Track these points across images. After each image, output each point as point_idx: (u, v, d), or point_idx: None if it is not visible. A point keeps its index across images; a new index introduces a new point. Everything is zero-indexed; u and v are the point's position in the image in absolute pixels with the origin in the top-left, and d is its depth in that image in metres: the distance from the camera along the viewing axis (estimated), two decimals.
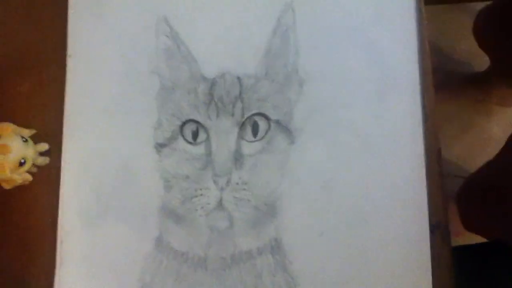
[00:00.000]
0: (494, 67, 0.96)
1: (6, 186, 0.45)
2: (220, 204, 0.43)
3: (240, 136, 0.44)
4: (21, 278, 0.45)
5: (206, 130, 0.44)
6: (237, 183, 0.44)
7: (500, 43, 0.82)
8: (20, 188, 0.46)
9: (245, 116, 0.45)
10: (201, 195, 0.44)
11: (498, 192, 0.68)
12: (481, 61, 1.03)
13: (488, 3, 0.86)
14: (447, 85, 1.04)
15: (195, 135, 0.45)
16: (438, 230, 0.44)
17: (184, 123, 0.45)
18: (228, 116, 0.45)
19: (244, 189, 0.44)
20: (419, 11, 0.47)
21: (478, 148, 1.03)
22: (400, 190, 0.44)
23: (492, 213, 0.70)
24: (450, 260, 0.44)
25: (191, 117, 0.45)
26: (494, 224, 0.71)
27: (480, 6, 0.89)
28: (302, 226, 0.44)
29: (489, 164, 0.77)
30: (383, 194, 0.44)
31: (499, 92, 1.02)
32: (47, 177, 0.47)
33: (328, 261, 0.43)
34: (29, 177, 0.46)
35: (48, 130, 0.47)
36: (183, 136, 0.45)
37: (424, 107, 0.46)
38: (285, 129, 0.45)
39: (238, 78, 0.46)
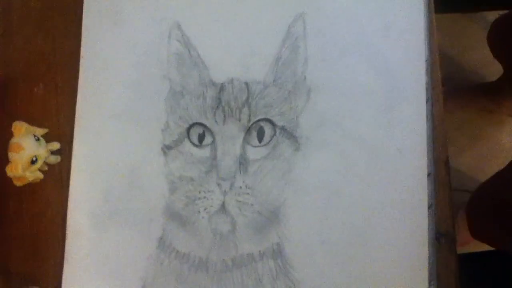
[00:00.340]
0: (507, 76, 0.95)
1: (18, 184, 0.46)
2: (223, 208, 0.44)
3: (246, 141, 0.45)
4: (31, 274, 0.46)
5: (212, 134, 0.45)
6: (241, 187, 0.44)
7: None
8: (31, 186, 0.47)
9: (252, 121, 0.45)
10: (205, 197, 0.45)
11: (509, 203, 0.68)
12: (492, 71, 1.02)
13: (503, 12, 0.85)
14: (458, 95, 1.04)
15: (201, 138, 0.45)
16: (445, 237, 0.44)
17: (191, 126, 0.46)
18: (234, 121, 0.45)
19: (248, 194, 0.44)
20: (429, 21, 0.47)
21: (488, 158, 1.03)
22: (403, 202, 0.44)
23: (502, 224, 0.70)
24: (457, 267, 0.44)
25: (198, 120, 0.46)
26: (504, 235, 0.70)
27: (492, 15, 0.88)
28: (304, 233, 0.44)
29: (499, 175, 0.76)
30: (386, 204, 0.44)
31: (510, 103, 1.02)
32: (58, 176, 0.48)
33: (329, 268, 0.44)
34: (40, 175, 0.47)
35: (60, 130, 0.49)
36: (189, 139, 0.46)
37: (433, 116, 0.46)
38: (291, 135, 0.46)
39: (246, 84, 0.47)
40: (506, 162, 0.74)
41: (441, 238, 0.44)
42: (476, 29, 1.05)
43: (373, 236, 0.44)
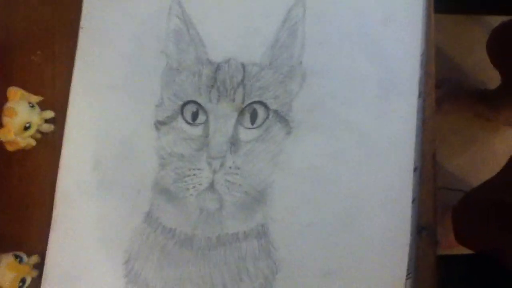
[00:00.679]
0: (505, 86, 0.96)
1: (10, 148, 0.46)
2: (211, 186, 0.45)
3: (239, 122, 0.45)
4: (16, 238, 0.47)
5: (205, 113, 0.46)
6: (230, 167, 0.45)
7: None
8: (23, 152, 0.48)
9: (246, 103, 0.46)
10: (194, 175, 0.45)
11: (497, 208, 0.69)
12: (493, 76, 1.02)
13: (505, 20, 0.85)
14: (455, 98, 1.04)
15: (194, 116, 0.46)
16: (426, 231, 0.45)
17: (185, 104, 0.46)
18: (228, 101, 0.46)
19: (237, 174, 0.45)
20: (427, 16, 0.47)
21: (480, 163, 1.03)
22: (387, 193, 0.45)
23: (489, 228, 0.71)
24: (436, 261, 0.45)
25: (193, 98, 0.46)
26: (489, 240, 0.71)
27: (495, 20, 0.88)
28: (290, 215, 0.45)
29: (490, 181, 0.77)
30: (372, 194, 0.45)
31: (507, 112, 1.02)
32: (50, 145, 0.48)
33: (311, 251, 0.44)
34: (32, 142, 0.47)
35: (55, 99, 0.49)
36: (183, 116, 0.46)
37: (424, 110, 0.46)
38: (283, 119, 0.46)
39: (243, 64, 0.47)
40: (498, 169, 0.75)
41: (422, 231, 0.44)
42: (479, 33, 1.04)
43: (357, 223, 0.44)
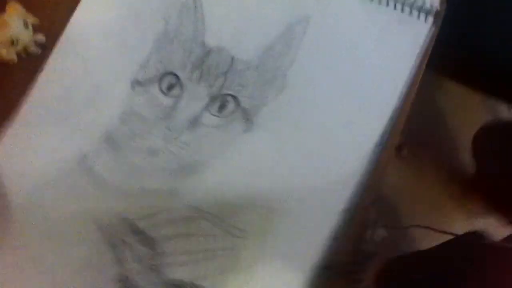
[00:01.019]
0: (478, 180, 0.98)
1: None
2: (156, 152, 0.47)
3: (207, 107, 0.47)
4: None
5: (181, 88, 0.47)
6: (182, 142, 0.47)
7: (497, 162, 0.82)
8: (5, 66, 0.49)
9: (221, 92, 0.47)
10: (147, 138, 0.47)
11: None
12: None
13: (502, 119, 0.87)
14: (437, 168, 1.06)
15: (170, 87, 0.47)
16: (333, 271, 0.46)
17: (166, 73, 0.48)
18: (207, 85, 0.47)
19: (183, 149, 0.47)
20: (413, 74, 0.49)
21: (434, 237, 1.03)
22: (311, 225, 0.47)
23: None
24: None
25: (175, 71, 0.48)
26: None
27: (500, 107, 0.89)
28: (209, 203, 0.47)
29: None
30: (297, 215, 0.47)
31: (475, 204, 1.03)
32: (31, 67, 0.49)
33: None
34: (15, 59, 0.49)
35: (51, 27, 0.50)
36: (160, 84, 0.48)
37: (377, 161, 0.47)
38: (248, 119, 0.48)
39: (232, 58, 0.48)
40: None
41: (330, 269, 0.46)
42: (486, 114, 1.05)
43: (274, 238, 0.46)
